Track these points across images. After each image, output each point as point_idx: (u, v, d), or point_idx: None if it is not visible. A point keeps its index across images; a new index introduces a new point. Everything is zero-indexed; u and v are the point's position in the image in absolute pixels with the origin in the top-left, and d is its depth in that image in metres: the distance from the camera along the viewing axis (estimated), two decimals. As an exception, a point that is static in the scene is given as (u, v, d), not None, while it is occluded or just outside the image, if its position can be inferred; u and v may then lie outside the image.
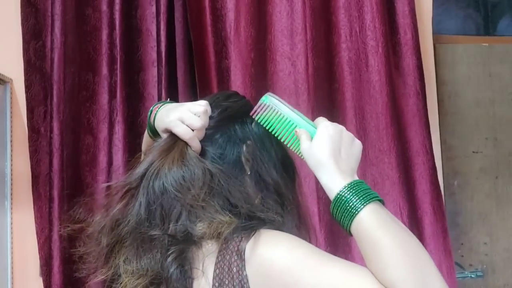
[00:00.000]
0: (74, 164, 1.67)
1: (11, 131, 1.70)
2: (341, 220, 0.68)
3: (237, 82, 1.68)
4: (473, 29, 2.49)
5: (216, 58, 1.72)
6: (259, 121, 0.82)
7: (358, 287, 0.61)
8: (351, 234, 0.68)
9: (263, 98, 0.83)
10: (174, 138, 0.80)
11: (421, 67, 1.79)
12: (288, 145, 0.81)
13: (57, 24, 1.67)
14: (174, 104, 0.84)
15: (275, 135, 0.81)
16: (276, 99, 0.83)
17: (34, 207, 1.65)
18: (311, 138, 0.76)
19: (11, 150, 1.69)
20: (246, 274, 0.67)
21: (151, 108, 0.87)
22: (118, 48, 1.71)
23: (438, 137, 1.96)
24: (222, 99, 0.86)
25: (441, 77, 2.05)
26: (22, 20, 1.68)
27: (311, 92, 1.70)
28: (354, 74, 1.74)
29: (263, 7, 1.75)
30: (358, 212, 0.66)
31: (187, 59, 1.78)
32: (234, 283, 0.67)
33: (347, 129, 0.77)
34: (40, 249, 1.64)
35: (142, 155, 0.92)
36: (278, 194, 0.81)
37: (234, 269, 0.67)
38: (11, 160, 1.69)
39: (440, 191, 1.76)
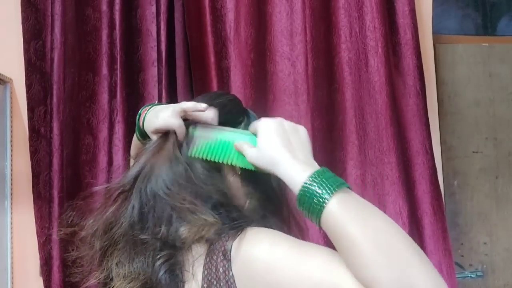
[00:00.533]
0: (74, 164, 1.67)
1: (11, 131, 1.70)
2: (309, 214, 0.63)
3: (237, 82, 1.68)
4: (473, 29, 2.49)
5: (216, 58, 1.72)
6: (195, 156, 0.78)
7: (336, 285, 0.58)
8: (321, 228, 0.63)
9: (189, 131, 0.80)
10: (164, 139, 0.80)
11: (421, 67, 1.78)
12: (237, 164, 0.76)
13: (57, 24, 1.67)
14: (162, 106, 0.84)
15: (219, 162, 0.77)
16: (202, 126, 0.80)
17: (34, 207, 1.65)
18: (255, 145, 0.72)
19: (11, 150, 1.69)
20: (232, 274, 0.66)
21: (139, 111, 0.87)
22: (118, 48, 1.71)
23: (438, 137, 1.96)
24: (214, 97, 0.86)
25: (441, 77, 2.05)
26: (22, 20, 1.68)
27: (310, 93, 1.70)
28: (354, 74, 1.74)
29: (263, 7, 1.75)
30: (325, 203, 0.61)
31: (187, 59, 1.78)
32: (221, 284, 0.66)
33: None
34: (40, 249, 1.64)
35: (131, 160, 0.91)
36: (266, 193, 0.80)
37: (221, 270, 0.67)
38: (11, 160, 1.69)
39: (440, 191, 1.76)
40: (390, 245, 0.57)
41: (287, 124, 0.72)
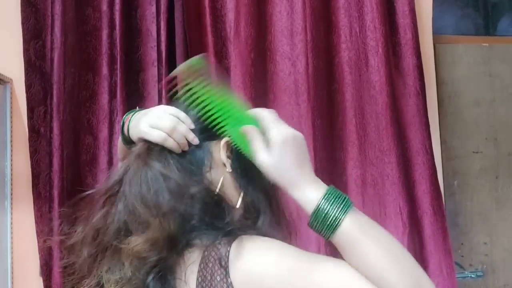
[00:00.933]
0: (74, 164, 1.67)
1: (11, 131, 1.70)
2: (322, 231, 0.66)
3: (237, 82, 1.68)
4: (473, 29, 2.49)
5: (216, 58, 1.72)
6: (189, 89, 0.73)
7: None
8: (329, 241, 0.67)
9: (196, 60, 0.73)
10: (147, 142, 0.78)
11: (421, 67, 1.79)
12: (228, 135, 0.73)
13: (57, 24, 1.67)
14: (143, 111, 0.82)
15: (208, 115, 0.73)
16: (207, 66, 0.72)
17: (34, 207, 1.64)
18: (262, 139, 0.71)
19: (11, 150, 1.69)
20: (230, 282, 0.65)
21: (122, 118, 0.85)
22: (118, 48, 1.71)
23: (438, 137, 1.96)
24: None
25: (441, 77, 2.05)
26: (22, 20, 1.68)
27: (311, 92, 1.70)
28: (354, 74, 1.75)
29: (263, 7, 1.75)
30: (340, 223, 0.65)
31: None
32: None
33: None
34: (40, 249, 1.64)
35: (120, 163, 0.90)
36: (259, 188, 0.78)
37: (218, 278, 0.66)
38: (11, 160, 1.69)
39: (440, 191, 1.76)
40: (401, 257, 0.65)
41: (296, 136, 0.71)
